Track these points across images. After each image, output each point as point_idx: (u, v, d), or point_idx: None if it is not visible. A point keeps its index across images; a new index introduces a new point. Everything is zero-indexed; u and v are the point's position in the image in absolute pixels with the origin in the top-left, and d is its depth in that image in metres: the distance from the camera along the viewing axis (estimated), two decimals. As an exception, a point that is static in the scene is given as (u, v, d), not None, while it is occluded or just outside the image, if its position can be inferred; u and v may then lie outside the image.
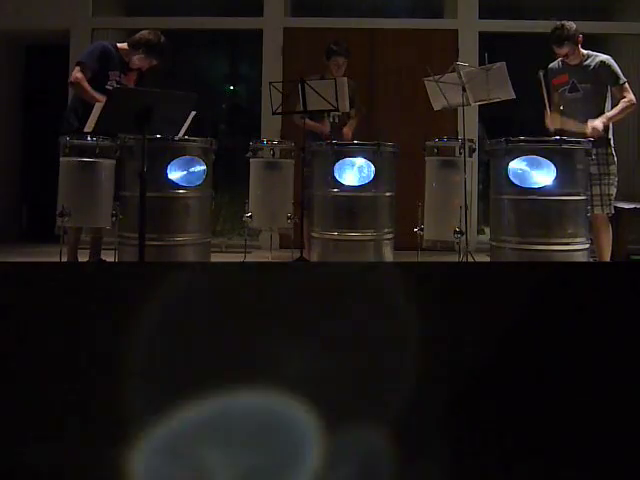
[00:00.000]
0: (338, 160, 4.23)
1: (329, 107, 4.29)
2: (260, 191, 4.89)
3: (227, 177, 6.88)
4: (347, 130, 4.92)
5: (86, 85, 4.19)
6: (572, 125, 4.24)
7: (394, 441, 1.18)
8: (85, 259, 4.39)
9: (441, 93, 4.28)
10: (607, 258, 4.16)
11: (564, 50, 4.24)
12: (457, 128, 5.97)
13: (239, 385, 1.19)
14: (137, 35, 4.39)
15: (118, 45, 4.41)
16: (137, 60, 4.37)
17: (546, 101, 4.31)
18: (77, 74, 4.22)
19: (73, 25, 6.90)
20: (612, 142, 4.25)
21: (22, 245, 6.61)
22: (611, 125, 4.27)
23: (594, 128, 4.08)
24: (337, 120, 4.91)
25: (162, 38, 4.38)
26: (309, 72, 4.75)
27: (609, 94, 4.28)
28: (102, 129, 3.69)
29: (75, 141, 4.03)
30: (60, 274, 1.27)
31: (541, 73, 4.28)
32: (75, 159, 4.02)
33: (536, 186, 3.74)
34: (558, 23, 4.25)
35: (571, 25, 4.22)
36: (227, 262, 4.35)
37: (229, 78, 8.50)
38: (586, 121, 4.16)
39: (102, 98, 3.87)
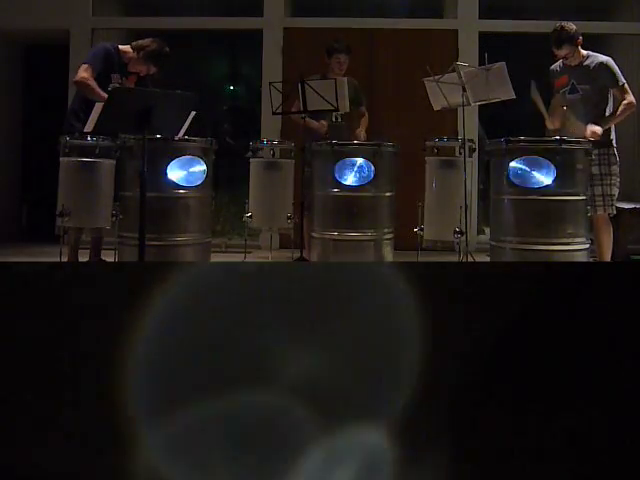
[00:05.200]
0: (338, 160, 4.23)
1: (329, 107, 4.29)
2: (260, 191, 4.89)
3: (227, 177, 6.88)
4: (359, 130, 4.90)
5: (93, 83, 4.16)
6: (573, 126, 4.23)
7: (394, 441, 1.18)
8: (85, 259, 4.39)
9: (441, 93, 4.27)
10: (608, 258, 4.15)
11: (563, 52, 4.22)
12: (457, 128, 5.96)
13: (239, 384, 1.19)
14: (142, 40, 4.40)
15: (120, 47, 4.41)
16: (134, 63, 4.37)
17: (541, 109, 4.32)
18: (83, 73, 4.19)
19: (73, 25, 6.89)
20: (614, 142, 4.24)
21: (22, 245, 6.61)
22: (613, 125, 4.26)
23: (594, 132, 4.08)
24: (339, 119, 4.90)
25: (165, 47, 4.37)
26: (309, 72, 4.74)
27: (610, 95, 4.27)
28: (102, 129, 3.69)
29: (75, 141, 4.02)
30: (60, 274, 1.27)
31: (533, 85, 4.30)
32: (75, 159, 4.01)
33: (536, 186, 3.74)
34: (557, 24, 4.22)
35: (570, 27, 4.20)
36: (227, 262, 4.35)
37: (229, 78, 8.50)
38: (587, 123, 4.15)
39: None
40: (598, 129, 4.09)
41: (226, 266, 1.35)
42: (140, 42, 4.39)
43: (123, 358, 1.18)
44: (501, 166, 3.86)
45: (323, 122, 4.80)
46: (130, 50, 4.38)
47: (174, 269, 1.24)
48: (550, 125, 4.32)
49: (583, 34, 4.28)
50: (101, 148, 4.03)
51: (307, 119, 4.53)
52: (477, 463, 1.20)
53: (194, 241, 4.15)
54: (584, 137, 4.01)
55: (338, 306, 1.23)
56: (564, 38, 4.18)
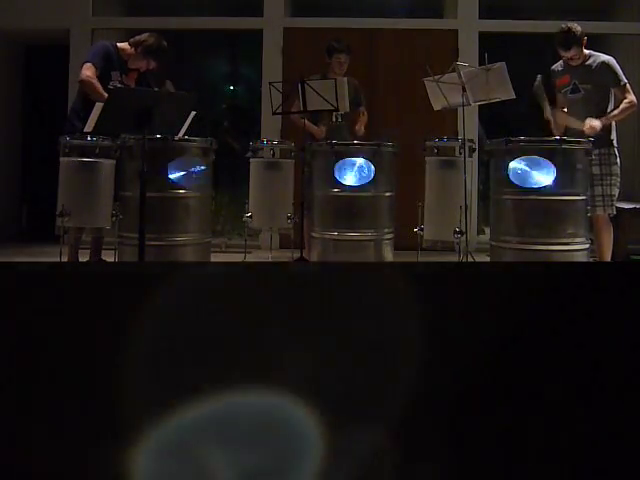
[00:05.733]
0: (338, 160, 4.23)
1: (329, 107, 4.29)
2: (260, 191, 4.90)
3: (227, 177, 6.89)
4: (358, 127, 4.89)
5: (97, 83, 4.17)
6: (573, 123, 4.24)
7: (394, 441, 1.18)
8: (85, 259, 4.39)
9: (441, 93, 4.27)
10: (608, 258, 4.16)
11: (570, 54, 4.19)
12: (457, 128, 5.96)
13: (239, 385, 1.19)
14: (139, 36, 4.41)
15: (118, 45, 4.42)
16: (134, 59, 4.38)
17: (545, 107, 4.31)
18: (87, 72, 4.20)
19: (73, 25, 6.90)
20: (615, 142, 4.24)
21: (22, 245, 6.61)
22: (614, 126, 4.26)
23: (592, 126, 4.08)
24: (339, 119, 4.90)
25: (162, 42, 4.38)
26: (309, 72, 4.74)
27: (612, 95, 4.26)
28: (102, 129, 3.69)
29: (75, 141, 4.03)
30: (60, 274, 1.27)
31: (539, 79, 4.28)
32: (75, 159, 4.02)
33: (536, 186, 3.74)
34: (564, 26, 4.17)
35: (577, 28, 4.16)
36: (227, 262, 4.34)
37: (229, 78, 8.50)
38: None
39: None
40: (597, 123, 4.09)
41: (226, 266, 1.35)
42: (137, 38, 4.40)
43: (123, 358, 1.18)
44: (501, 166, 3.86)
45: (322, 128, 4.80)
46: (128, 47, 4.39)
47: (174, 269, 1.24)
48: (554, 129, 4.31)
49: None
50: (101, 148, 4.03)
51: (307, 122, 4.53)
52: (477, 463, 1.20)
53: (194, 241, 4.15)
54: (583, 132, 4.03)
55: (338, 306, 1.23)
56: (572, 40, 4.15)
